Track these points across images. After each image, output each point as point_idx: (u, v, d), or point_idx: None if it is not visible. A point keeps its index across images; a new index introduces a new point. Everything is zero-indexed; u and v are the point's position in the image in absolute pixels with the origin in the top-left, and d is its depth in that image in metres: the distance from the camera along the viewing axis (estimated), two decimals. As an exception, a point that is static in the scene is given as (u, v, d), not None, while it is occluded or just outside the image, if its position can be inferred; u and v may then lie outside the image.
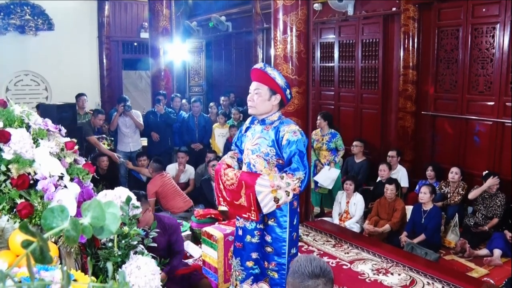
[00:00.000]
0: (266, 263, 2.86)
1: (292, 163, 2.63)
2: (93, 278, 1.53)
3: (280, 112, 2.86)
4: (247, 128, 2.94)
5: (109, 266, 0.76)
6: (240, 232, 2.94)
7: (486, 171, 5.56)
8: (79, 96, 7.45)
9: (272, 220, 2.81)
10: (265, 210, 2.62)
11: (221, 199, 2.82)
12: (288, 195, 2.58)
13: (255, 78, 2.80)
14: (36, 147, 1.77)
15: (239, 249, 2.96)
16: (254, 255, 2.89)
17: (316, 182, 6.21)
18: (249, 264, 2.90)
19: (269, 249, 2.84)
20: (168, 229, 3.52)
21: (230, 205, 2.76)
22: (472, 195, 5.38)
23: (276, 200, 2.58)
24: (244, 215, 2.70)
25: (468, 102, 6.14)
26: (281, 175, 2.62)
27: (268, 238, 2.83)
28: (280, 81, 2.75)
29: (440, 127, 6.58)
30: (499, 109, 5.76)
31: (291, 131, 2.69)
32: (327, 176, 6.14)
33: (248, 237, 2.88)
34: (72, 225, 0.64)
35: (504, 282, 3.51)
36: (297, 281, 1.64)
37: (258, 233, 2.85)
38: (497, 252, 4.70)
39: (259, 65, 2.81)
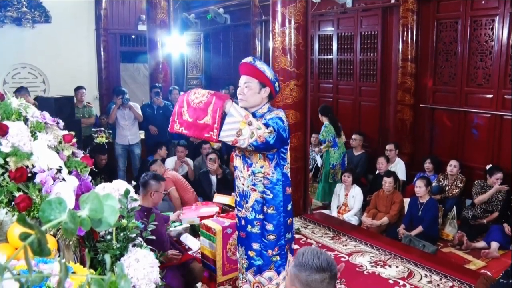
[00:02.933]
0: (269, 251, 2.88)
1: (268, 123, 2.64)
2: (91, 270, 1.54)
3: (269, 104, 2.89)
4: None
5: (107, 258, 0.76)
6: (243, 222, 2.96)
7: (490, 165, 5.53)
8: (78, 89, 7.42)
9: (272, 208, 2.84)
10: (222, 134, 2.54)
11: (176, 125, 2.67)
12: (251, 138, 2.52)
13: (244, 72, 2.82)
14: (34, 140, 1.77)
15: (243, 238, 2.99)
16: (255, 246, 2.91)
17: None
18: (251, 254, 2.93)
19: (271, 236, 2.86)
20: (166, 220, 3.65)
21: (191, 127, 2.62)
22: (478, 200, 5.32)
23: (239, 133, 2.51)
24: (206, 135, 2.58)
25: (466, 94, 6.14)
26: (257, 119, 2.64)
27: (270, 227, 2.86)
28: (270, 74, 2.79)
29: (439, 120, 6.58)
30: (498, 101, 5.76)
31: (273, 114, 2.74)
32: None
33: (249, 227, 2.91)
34: (70, 217, 0.64)
35: (501, 274, 3.52)
36: (304, 274, 1.62)
37: (258, 223, 2.88)
38: (494, 244, 4.72)
39: (248, 59, 2.82)
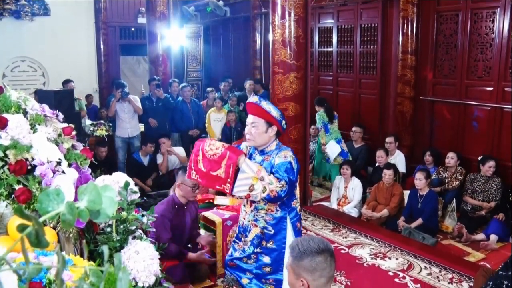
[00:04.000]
0: (263, 279, 2.89)
1: (279, 173, 2.64)
2: (91, 263, 1.55)
3: (277, 140, 2.88)
4: (250, 154, 2.96)
5: (105, 249, 0.77)
6: (237, 254, 2.97)
7: (482, 156, 5.57)
8: (66, 82, 7.43)
9: (271, 242, 2.83)
10: (235, 190, 2.59)
11: (193, 172, 2.74)
12: (264, 192, 2.55)
13: (250, 111, 2.83)
14: (34, 132, 1.77)
15: (234, 268, 2.99)
16: (249, 274, 2.93)
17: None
18: (245, 281, 2.95)
19: (267, 268, 2.86)
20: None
21: (204, 177, 2.69)
22: (466, 199, 5.43)
23: (251, 188, 2.55)
24: (218, 187, 2.66)
25: (466, 87, 6.12)
26: (268, 173, 2.64)
27: (267, 259, 2.85)
28: (275, 113, 2.79)
29: (439, 113, 6.57)
30: (498, 94, 5.74)
31: (282, 156, 2.73)
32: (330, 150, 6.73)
33: (245, 259, 2.92)
34: (68, 208, 0.64)
35: (500, 266, 3.53)
36: (307, 261, 1.67)
37: (255, 256, 2.89)
38: (493, 237, 4.74)
39: (254, 99, 2.82)
